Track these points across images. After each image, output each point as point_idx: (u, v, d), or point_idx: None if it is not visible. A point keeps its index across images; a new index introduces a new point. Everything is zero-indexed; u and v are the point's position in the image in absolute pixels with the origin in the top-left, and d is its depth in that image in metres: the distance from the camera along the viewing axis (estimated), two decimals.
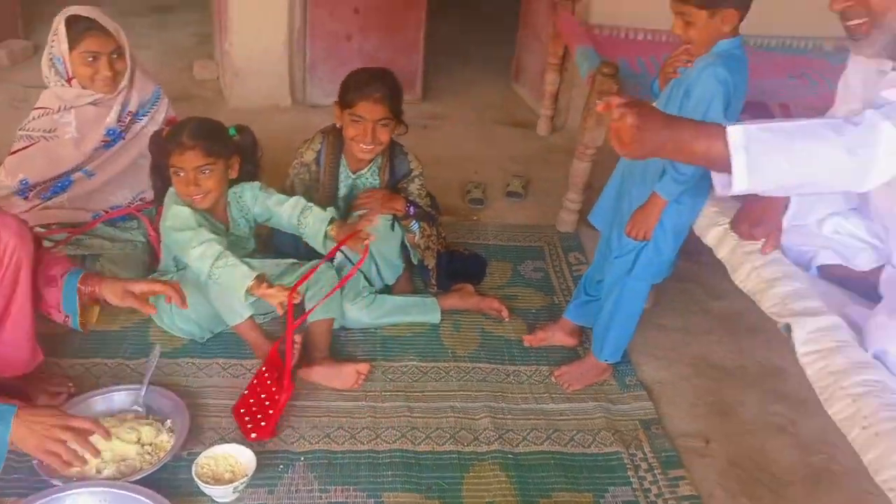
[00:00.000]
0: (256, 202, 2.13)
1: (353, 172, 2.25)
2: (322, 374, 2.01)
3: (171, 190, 2.03)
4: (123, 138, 2.30)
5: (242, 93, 3.51)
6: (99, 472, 1.63)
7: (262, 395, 1.86)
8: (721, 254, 1.82)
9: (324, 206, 2.15)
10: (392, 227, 2.19)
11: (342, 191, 2.28)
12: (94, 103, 2.24)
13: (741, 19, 1.78)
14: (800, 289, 1.59)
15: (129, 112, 2.30)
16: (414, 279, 2.44)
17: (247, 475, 1.65)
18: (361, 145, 2.13)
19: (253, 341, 2.01)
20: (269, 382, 1.88)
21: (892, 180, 1.40)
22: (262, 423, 1.81)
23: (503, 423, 1.96)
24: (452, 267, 2.49)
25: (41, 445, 1.48)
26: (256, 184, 2.14)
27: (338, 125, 2.21)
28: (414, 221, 2.22)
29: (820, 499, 1.84)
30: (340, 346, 2.17)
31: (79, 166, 2.25)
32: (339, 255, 2.20)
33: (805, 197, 1.71)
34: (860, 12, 1.45)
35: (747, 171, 1.33)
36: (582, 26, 3.20)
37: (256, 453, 1.72)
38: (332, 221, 2.07)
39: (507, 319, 2.33)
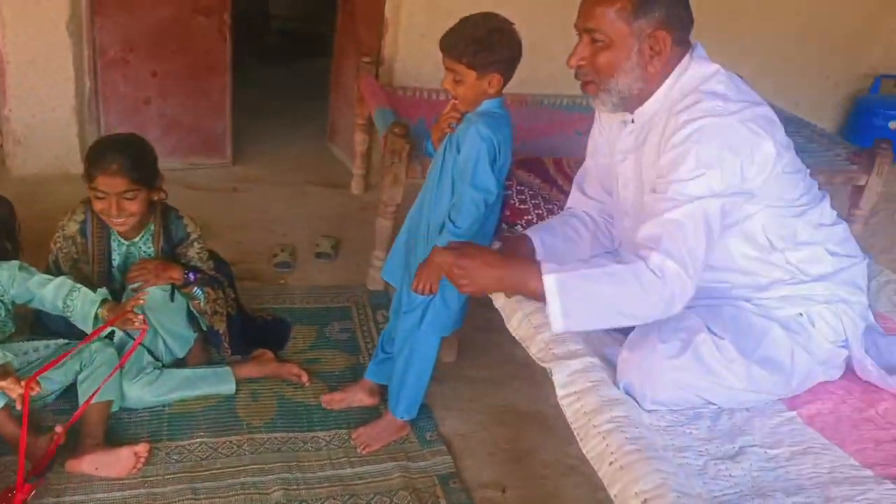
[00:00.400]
0: (14, 283, 1.95)
1: (127, 240, 2.13)
2: (94, 463, 1.84)
3: None
4: None
5: (27, 161, 3.27)
6: None
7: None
8: (498, 303, 1.88)
9: (96, 280, 2.02)
10: (171, 297, 2.08)
11: (116, 260, 2.14)
12: None
13: (505, 83, 1.89)
14: (563, 333, 1.66)
15: None
16: (210, 348, 2.33)
17: None
18: (112, 219, 2.02)
19: (8, 435, 1.81)
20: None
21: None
22: None
23: (297, 495, 1.88)
24: (252, 333, 2.40)
25: None
26: (15, 263, 1.97)
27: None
28: (196, 288, 2.12)
29: None
30: (122, 430, 2.01)
31: None
32: (119, 333, 2.06)
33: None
34: (589, 72, 1.57)
35: (563, 315, 1.47)
36: (385, 88, 3.29)
37: None
38: (103, 302, 1.94)
39: (307, 384, 2.27)
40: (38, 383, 1.71)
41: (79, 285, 1.97)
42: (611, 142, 1.74)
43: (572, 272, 1.49)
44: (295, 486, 1.90)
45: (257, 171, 3.85)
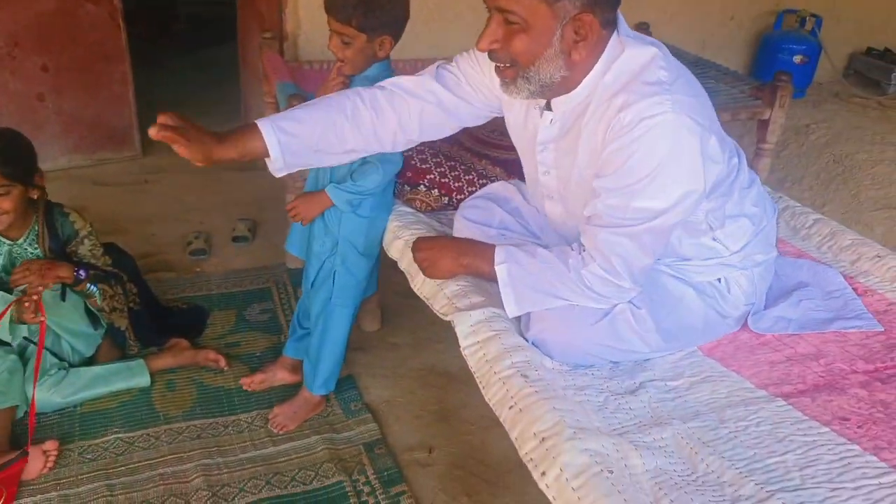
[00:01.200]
0: None
1: (9, 240, 2.04)
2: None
3: None
4: None
5: None
6: None
7: None
8: (403, 265, 1.86)
9: None
10: (63, 296, 2.00)
11: (0, 261, 2.04)
12: None
13: (393, 46, 1.85)
14: (465, 287, 1.65)
15: None
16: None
17: None
18: None
19: None
20: None
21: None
22: None
23: (218, 479, 1.85)
24: (164, 323, 2.34)
25: None
26: None
27: None
28: (90, 285, 2.04)
29: (534, 483, 1.91)
30: (29, 435, 1.94)
31: None
32: (19, 338, 1.99)
33: None
34: (505, 57, 1.38)
35: (515, 303, 1.50)
36: (287, 63, 3.20)
37: None
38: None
39: (225, 368, 2.23)
40: None
41: None
42: (527, 127, 1.59)
43: (521, 262, 1.50)
44: (216, 471, 1.87)
45: (169, 161, 3.71)
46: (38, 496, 1.76)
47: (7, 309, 1.84)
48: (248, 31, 3.83)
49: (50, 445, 1.83)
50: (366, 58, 1.83)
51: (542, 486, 1.23)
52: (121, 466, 1.87)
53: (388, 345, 2.44)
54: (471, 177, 2.13)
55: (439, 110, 1.63)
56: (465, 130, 2.31)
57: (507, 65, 1.39)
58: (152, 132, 1.34)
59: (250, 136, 1.48)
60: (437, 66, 1.65)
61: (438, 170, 2.11)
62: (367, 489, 1.85)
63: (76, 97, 3.40)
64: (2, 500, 1.70)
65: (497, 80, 1.45)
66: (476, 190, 2.08)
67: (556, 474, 1.21)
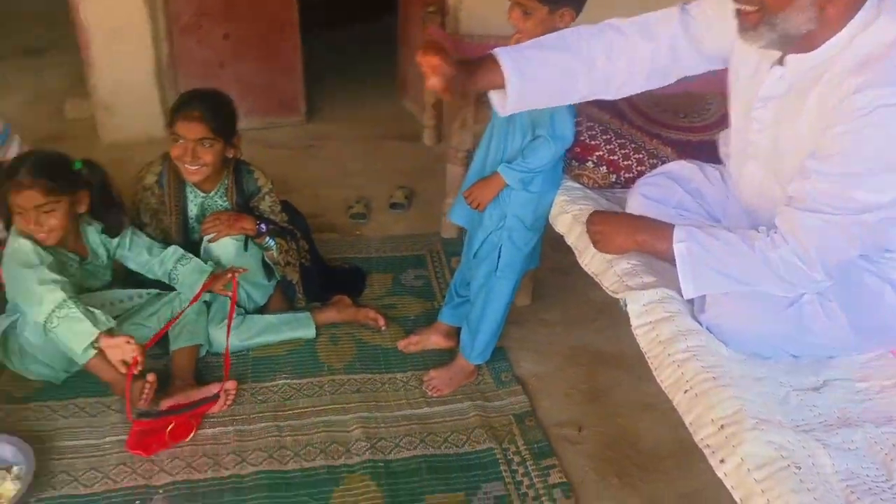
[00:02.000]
0: (129, 246, 2.09)
1: (202, 193, 2.21)
2: (187, 399, 1.94)
3: (13, 227, 1.95)
4: None
5: (115, 128, 3.42)
6: None
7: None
8: (570, 240, 1.85)
9: (174, 231, 2.13)
10: (245, 247, 2.15)
11: (193, 211, 2.22)
12: None
13: (574, 19, 1.82)
14: (636, 266, 1.62)
15: None
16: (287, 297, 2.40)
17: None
18: (186, 165, 2.09)
19: (109, 379, 1.92)
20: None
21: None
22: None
23: (375, 433, 1.93)
24: (330, 281, 2.46)
25: None
26: (129, 227, 2.10)
27: None
28: (268, 238, 2.18)
29: (690, 470, 1.86)
30: (209, 372, 2.11)
31: None
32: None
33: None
34: (754, 1, 1.30)
35: (693, 284, 1.43)
36: (451, 36, 3.24)
37: (110, 491, 1.66)
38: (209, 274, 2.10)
39: (383, 328, 2.32)
40: (143, 355, 1.84)
41: (189, 255, 2.11)
42: (752, 84, 1.48)
43: (702, 243, 1.42)
44: (374, 425, 1.96)
45: (332, 128, 3.90)
46: (218, 428, 1.91)
47: (208, 284, 2.06)
48: (410, 4, 3.91)
49: (230, 385, 1.98)
50: (545, 30, 1.80)
51: (719, 473, 1.19)
52: (288, 410, 2.00)
53: (540, 320, 2.44)
54: (640, 155, 2.07)
55: (670, 54, 1.58)
56: (636, 108, 2.27)
57: (754, 9, 1.30)
58: (428, 61, 1.41)
59: (492, 72, 1.50)
60: (681, 8, 1.58)
61: (607, 146, 2.07)
62: (517, 458, 1.87)
63: (252, 65, 3.62)
64: (192, 433, 1.86)
65: (736, 25, 1.36)
66: (645, 169, 2.03)
67: (736, 463, 1.17)
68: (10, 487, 1.65)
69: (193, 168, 2.07)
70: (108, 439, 1.85)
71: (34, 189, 1.84)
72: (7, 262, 1.88)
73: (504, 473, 1.83)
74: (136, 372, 1.82)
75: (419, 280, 2.62)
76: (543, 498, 1.76)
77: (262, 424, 1.94)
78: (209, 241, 2.12)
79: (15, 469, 1.70)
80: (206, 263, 2.13)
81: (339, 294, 2.43)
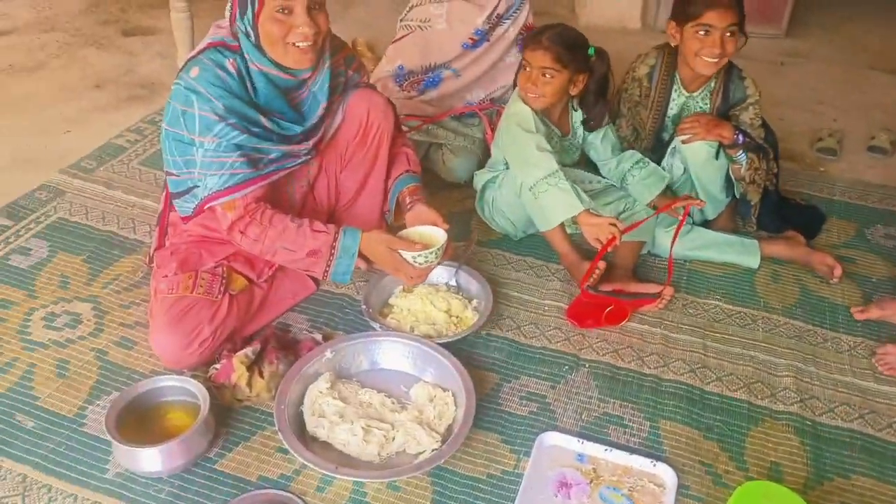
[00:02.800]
0: (603, 139, 2.16)
1: (686, 92, 2.14)
2: (625, 290, 2.01)
3: (517, 89, 2.12)
4: (488, 40, 2.47)
5: (594, 12, 3.52)
6: (412, 329, 1.85)
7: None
8: None
9: (648, 126, 2.16)
10: (716, 155, 2.06)
11: (673, 110, 2.18)
12: None
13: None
14: None
15: (497, 14, 2.45)
16: (736, 219, 2.28)
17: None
18: (706, 58, 2.00)
19: (561, 251, 2.06)
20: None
21: None
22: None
23: (808, 388, 1.79)
24: (783, 212, 2.27)
25: (390, 263, 1.72)
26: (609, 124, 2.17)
27: (672, 44, 2.10)
28: (741, 151, 2.05)
29: None
30: (645, 271, 2.14)
31: (447, 64, 2.47)
32: None
33: None
34: None
35: None
36: None
37: (546, 349, 1.83)
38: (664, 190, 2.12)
39: (837, 281, 2.09)
40: (620, 238, 1.91)
41: (647, 160, 2.15)
42: None
43: None
44: (808, 380, 1.81)
45: (810, 47, 3.50)
46: (646, 327, 1.95)
47: (665, 208, 2.06)
48: None
49: (668, 292, 1.98)
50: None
51: None
52: (717, 333, 1.94)
53: None
54: None
55: None
56: None
57: None
58: None
59: None
60: None
61: None
62: None
63: None
64: (625, 321, 1.94)
65: None
66: None
67: None
68: (470, 316, 1.91)
69: (714, 61, 2.01)
70: (547, 302, 2.02)
71: (548, 52, 1.95)
72: (508, 121, 2.06)
73: None
74: (611, 249, 1.91)
75: (890, 240, 2.28)
76: None
77: (688, 338, 1.92)
78: (683, 142, 2.08)
79: (475, 302, 1.95)
80: (665, 169, 2.13)
81: (791, 229, 2.24)
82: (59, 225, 2.19)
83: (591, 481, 1.53)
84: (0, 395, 1.66)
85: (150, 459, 1.47)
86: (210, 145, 1.61)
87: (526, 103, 2.03)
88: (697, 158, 2.08)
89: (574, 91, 2.06)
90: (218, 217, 1.70)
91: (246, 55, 1.62)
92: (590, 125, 2.14)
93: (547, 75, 1.97)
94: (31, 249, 2.09)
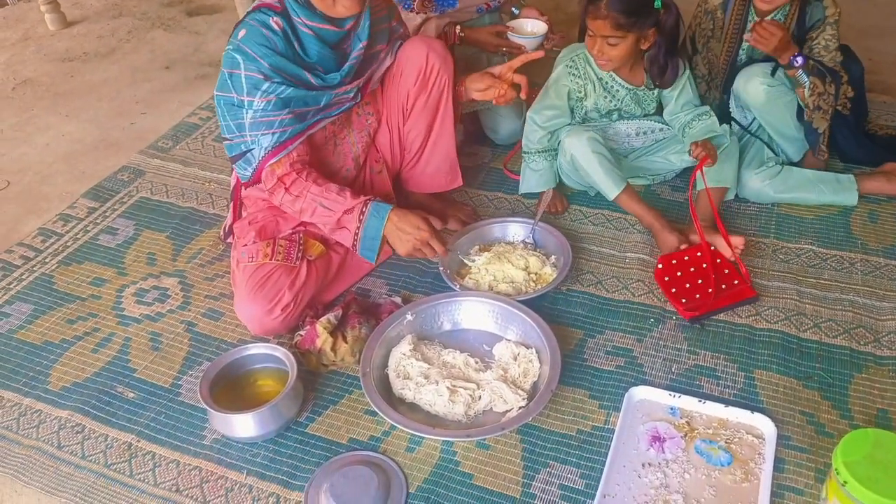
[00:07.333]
0: (680, 94, 2.04)
1: (759, 17, 2.01)
2: (709, 241, 1.92)
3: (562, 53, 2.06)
4: None
5: None
6: (491, 287, 1.83)
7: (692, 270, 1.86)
8: None
9: (722, 58, 2.09)
10: (773, 72, 1.95)
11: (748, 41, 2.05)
12: None
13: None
14: None
15: None
16: (827, 156, 2.14)
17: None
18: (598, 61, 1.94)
19: (634, 212, 1.99)
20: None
21: None
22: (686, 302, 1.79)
23: None
24: (873, 147, 2.13)
25: (406, 248, 1.68)
26: (685, 77, 2.04)
27: None
28: (802, 72, 1.91)
29: None
30: (731, 218, 2.05)
31: None
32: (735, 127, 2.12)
33: None
34: None
35: None
36: None
37: (630, 301, 1.78)
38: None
39: None
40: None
41: (710, 113, 2.02)
42: None
43: None
44: None
45: None
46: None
47: (703, 162, 1.89)
48: None
49: (738, 241, 1.86)
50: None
51: None
52: (811, 278, 1.85)
53: None
54: None
55: None
56: None
57: None
58: None
59: None
60: None
61: None
62: None
63: None
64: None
65: None
66: None
67: None
68: (549, 272, 1.87)
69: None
70: (629, 255, 1.96)
71: (607, 20, 1.85)
72: (546, 85, 2.05)
73: None
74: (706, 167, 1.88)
75: None
76: None
77: (781, 285, 1.84)
78: (745, 39, 2.02)
79: (553, 258, 1.92)
80: (736, 118, 2.03)
81: (891, 162, 2.10)
82: (141, 204, 2.26)
83: (686, 434, 1.49)
84: (101, 369, 1.73)
85: (244, 425, 1.51)
86: (259, 105, 1.62)
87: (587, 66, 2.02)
88: (757, 100, 1.98)
89: (645, 45, 1.95)
90: (263, 178, 1.71)
91: (295, 18, 1.62)
92: (662, 83, 2.01)
93: (612, 42, 1.89)
94: (117, 229, 2.16)
